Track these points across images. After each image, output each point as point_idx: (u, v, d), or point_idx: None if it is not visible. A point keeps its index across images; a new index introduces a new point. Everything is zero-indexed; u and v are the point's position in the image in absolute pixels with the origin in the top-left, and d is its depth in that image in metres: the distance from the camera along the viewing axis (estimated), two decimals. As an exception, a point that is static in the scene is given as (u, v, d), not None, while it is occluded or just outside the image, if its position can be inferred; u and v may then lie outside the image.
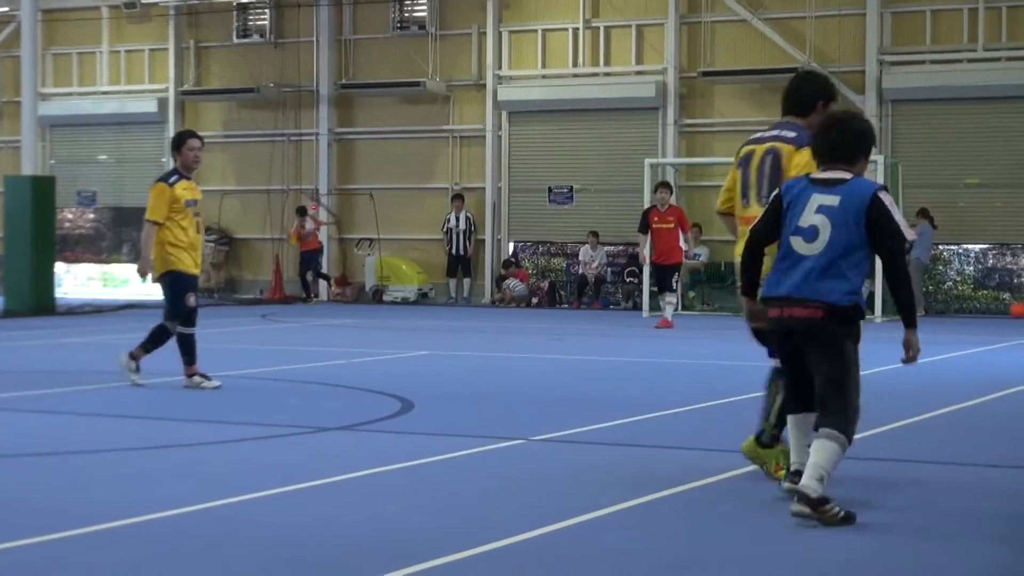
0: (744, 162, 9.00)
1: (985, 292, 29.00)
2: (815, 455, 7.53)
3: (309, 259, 32.45)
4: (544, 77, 32.31)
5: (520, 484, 8.63)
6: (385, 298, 32.30)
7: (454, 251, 32.04)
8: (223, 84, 34.81)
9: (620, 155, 31.04)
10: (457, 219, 31.98)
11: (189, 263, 13.91)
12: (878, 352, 16.50)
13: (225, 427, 11.13)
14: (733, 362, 17.23)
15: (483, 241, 32.43)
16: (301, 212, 32.33)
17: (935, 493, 8.44)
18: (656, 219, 23.97)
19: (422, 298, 32.44)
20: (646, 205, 27.52)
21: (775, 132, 8.89)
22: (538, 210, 32.23)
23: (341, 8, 34.03)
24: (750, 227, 8.22)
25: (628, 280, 30.66)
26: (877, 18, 29.31)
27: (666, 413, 12.02)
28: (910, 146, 29.14)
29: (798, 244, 7.79)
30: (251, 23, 34.53)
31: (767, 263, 8.11)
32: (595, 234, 30.87)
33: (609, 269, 31.16)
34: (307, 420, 11.46)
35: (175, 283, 13.95)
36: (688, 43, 31.09)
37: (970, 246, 29.07)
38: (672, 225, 23.94)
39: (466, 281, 32.21)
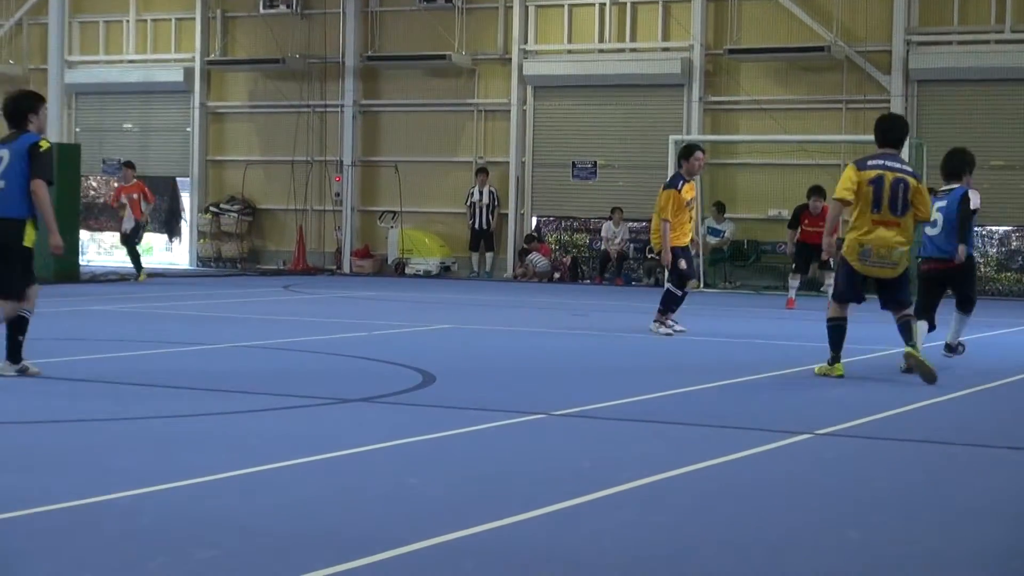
0: (877, 180, 13.09)
1: (1008, 274, 28.95)
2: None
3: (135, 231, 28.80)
4: (570, 52, 32.29)
5: (541, 459, 8.68)
6: (407, 271, 32.36)
7: (477, 225, 32.07)
8: (249, 54, 34.85)
9: (644, 131, 31.02)
10: (480, 193, 32.00)
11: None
12: (888, 331, 16.47)
13: (248, 397, 11.20)
14: (752, 340, 17.28)
15: (506, 215, 32.46)
16: (129, 166, 29.56)
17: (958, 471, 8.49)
18: (807, 222, 23.78)
19: (444, 271, 32.50)
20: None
21: (899, 164, 13.25)
22: (561, 185, 32.24)
23: (369, -20, 34.03)
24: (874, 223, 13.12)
25: (650, 256, 30.65)
26: (905, -3, 29.23)
27: (687, 390, 12.05)
28: (935, 127, 29.05)
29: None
30: (278, -7, 34.53)
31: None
32: (619, 210, 30.88)
33: (632, 245, 31.17)
34: (329, 391, 11.53)
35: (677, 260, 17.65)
36: (714, 20, 31.03)
37: (994, 228, 29.01)
38: (820, 231, 23.73)
39: (488, 255, 32.24)
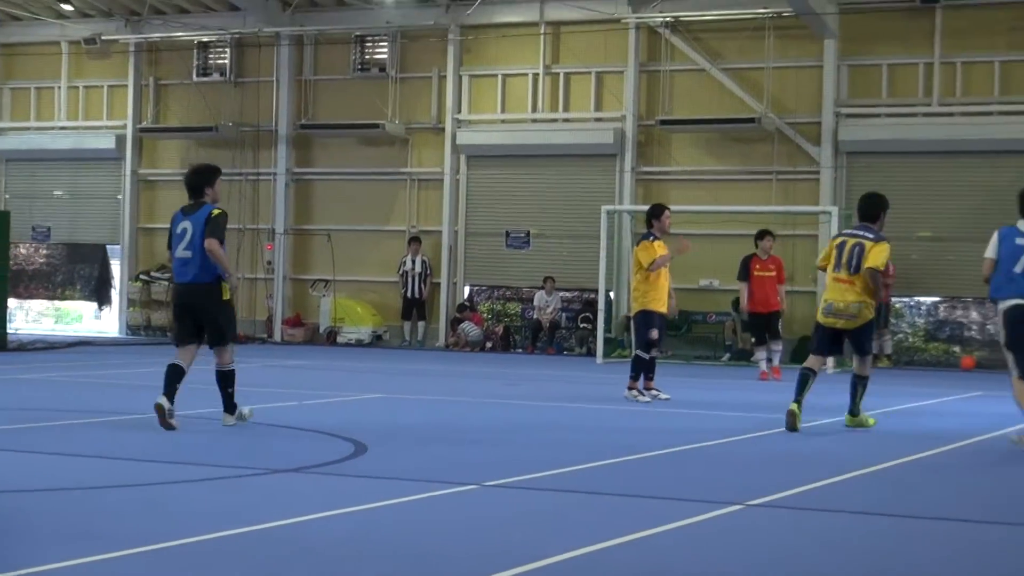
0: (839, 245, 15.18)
1: (936, 344, 29.18)
2: None
3: None
4: (503, 122, 32.42)
5: (473, 530, 8.62)
6: (339, 340, 32.26)
7: (409, 294, 32.04)
8: (182, 122, 34.80)
9: (577, 201, 31.14)
10: (413, 262, 31.98)
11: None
12: (833, 400, 16.53)
13: (175, 467, 11.08)
14: (686, 410, 17.28)
15: (438, 284, 32.45)
16: None
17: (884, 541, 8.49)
18: (758, 267, 23.70)
19: (376, 340, 32.41)
20: (602, 252, 27.72)
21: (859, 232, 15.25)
22: (494, 254, 32.29)
23: (302, 48, 34.10)
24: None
25: (582, 326, 30.71)
26: (834, 71, 29.56)
27: (620, 460, 12.02)
28: (865, 198, 29.27)
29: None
30: (211, 61, 34.54)
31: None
32: (551, 279, 30.95)
33: (564, 315, 31.22)
34: (258, 461, 11.42)
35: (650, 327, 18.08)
36: (647, 91, 31.27)
37: (922, 298, 29.27)
38: (772, 273, 23.70)
39: (420, 324, 32.20)
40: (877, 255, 15.02)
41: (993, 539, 8.84)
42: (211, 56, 34.60)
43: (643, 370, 18.17)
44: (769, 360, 23.67)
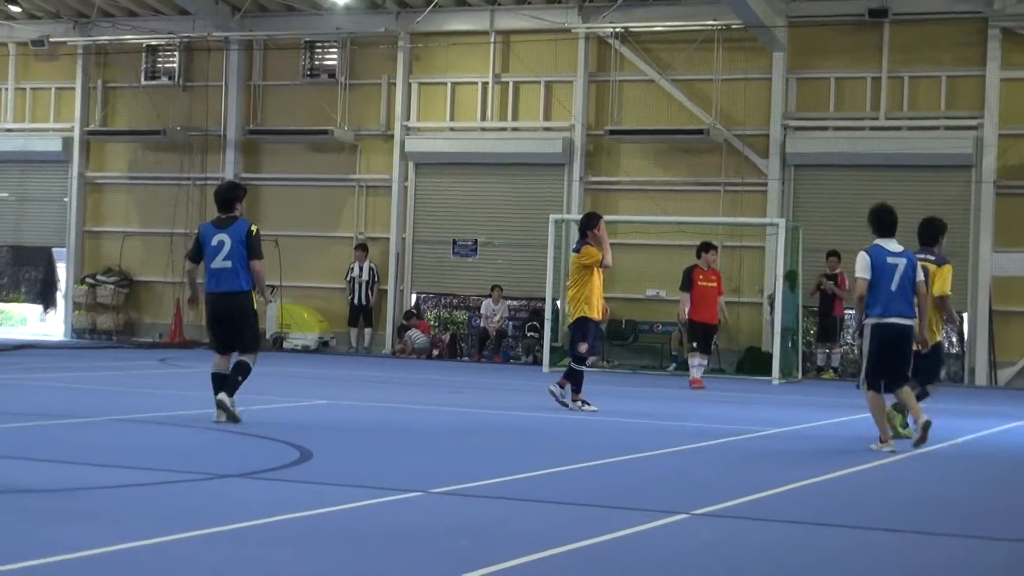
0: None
1: (881, 357, 29.30)
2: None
3: None
4: (452, 130, 32.43)
5: (418, 537, 8.61)
6: (285, 345, 32.16)
7: (356, 300, 31.99)
8: (129, 125, 34.66)
9: (525, 210, 31.18)
10: (360, 268, 31.93)
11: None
12: (776, 413, 16.65)
13: (121, 471, 11.03)
14: (631, 420, 17.33)
15: (385, 291, 32.41)
16: None
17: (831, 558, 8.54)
18: (701, 278, 23.94)
19: (323, 347, 32.34)
20: (550, 261, 27.77)
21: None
22: (442, 262, 32.29)
23: (251, 54, 34.02)
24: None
25: (529, 335, 30.73)
26: (783, 83, 29.72)
27: (565, 469, 12.05)
28: (811, 210, 29.52)
29: None
30: (160, 65, 34.42)
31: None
32: (498, 287, 30.97)
33: (511, 323, 31.25)
34: (205, 466, 11.39)
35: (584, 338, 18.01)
36: (596, 101, 31.35)
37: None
38: (715, 284, 24.01)
39: (367, 331, 32.15)
40: (943, 280, 15.55)
41: (943, 551, 8.92)
42: (160, 60, 34.47)
43: (577, 380, 18.11)
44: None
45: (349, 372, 25.28)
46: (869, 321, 14.43)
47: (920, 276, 14.64)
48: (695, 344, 24.09)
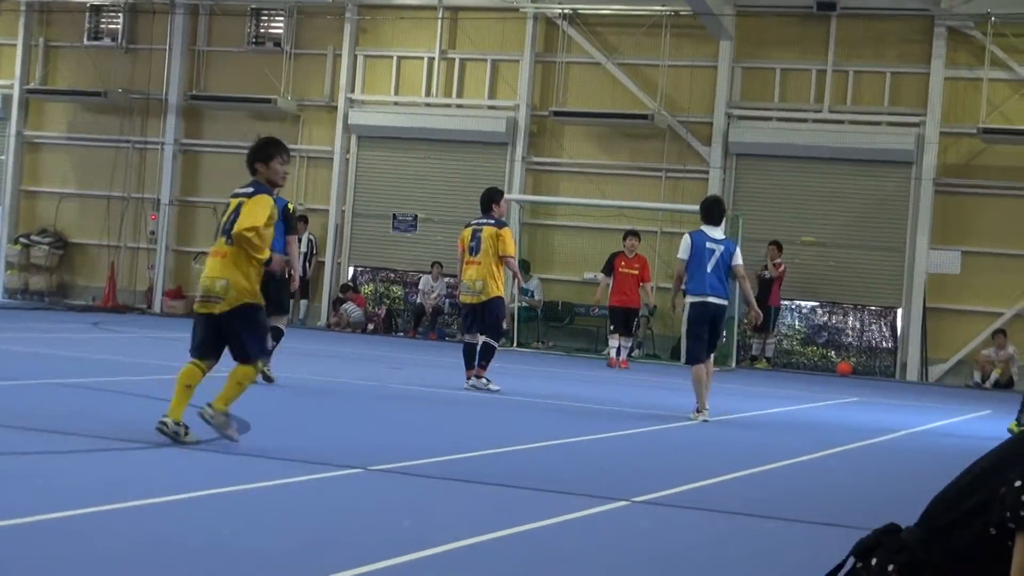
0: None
1: (813, 348, 29.52)
2: None
3: None
4: (396, 104, 32.30)
5: (359, 515, 8.56)
6: (219, 314, 31.89)
7: (293, 271, 31.77)
8: (70, 85, 34.30)
9: (467, 188, 31.02)
10: (299, 240, 31.67)
11: None
12: (710, 400, 16.68)
13: (52, 437, 10.88)
14: (569, 403, 17.32)
15: (323, 263, 32.27)
16: None
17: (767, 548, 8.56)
18: (623, 264, 24.73)
19: (257, 316, 32.10)
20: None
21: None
22: (381, 236, 32.18)
23: (197, 18, 33.75)
24: None
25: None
26: (728, 72, 29.78)
27: (504, 450, 12.02)
28: (752, 201, 29.61)
29: None
30: (103, 26, 34.10)
31: None
32: (439, 264, 30.88)
33: (448, 301, 31.18)
34: (140, 435, 11.25)
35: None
36: (541, 81, 31.31)
37: (802, 303, 29.60)
38: (637, 272, 24.83)
39: (303, 303, 32.00)
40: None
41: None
42: (103, 20, 34.15)
43: (491, 356, 18.03)
44: (618, 351, 24.99)
45: (284, 344, 25.09)
46: (688, 299, 16.15)
47: (738, 260, 16.26)
48: (613, 327, 24.98)
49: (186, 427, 10.80)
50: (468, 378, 17.91)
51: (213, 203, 32.63)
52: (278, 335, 16.28)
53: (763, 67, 29.98)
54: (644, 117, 29.94)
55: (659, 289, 27.06)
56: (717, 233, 16.32)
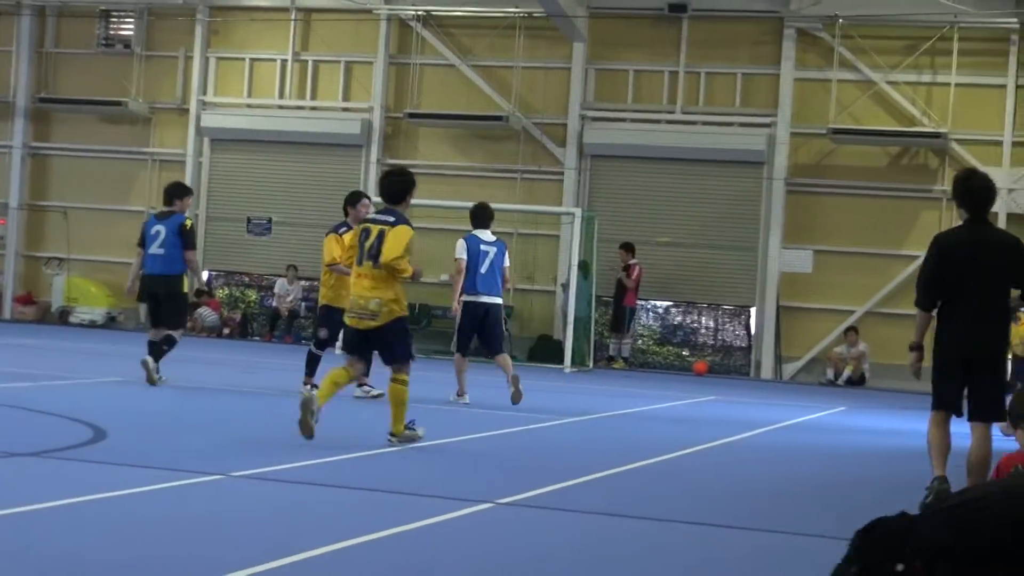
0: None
1: (668, 348, 29.79)
2: None
3: None
4: (249, 106, 32.06)
5: (222, 522, 8.47)
6: (71, 320, 31.49)
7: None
8: (-88, 88, 33.58)
9: (322, 190, 30.95)
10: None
11: None
12: (569, 401, 16.76)
13: (-94, 448, 10.65)
14: (431, 405, 17.29)
15: (177, 268, 31.87)
16: None
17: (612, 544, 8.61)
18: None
19: (110, 322, 31.74)
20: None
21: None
22: (235, 240, 31.91)
23: (44, 20, 33.21)
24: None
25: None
26: (582, 74, 29.96)
27: (365, 454, 11.98)
28: (607, 201, 29.81)
29: None
30: (-53, 28, 33.41)
31: None
32: (293, 267, 30.70)
33: (304, 304, 31.00)
34: (-6, 444, 11.05)
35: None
36: (396, 84, 31.26)
37: (657, 303, 29.85)
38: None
39: (157, 307, 31.57)
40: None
41: (735, 542, 9.04)
42: (-53, 22, 33.47)
43: (312, 365, 17.58)
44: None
45: (139, 349, 24.74)
46: (463, 299, 17.55)
47: (507, 262, 17.90)
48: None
49: (411, 425, 12.65)
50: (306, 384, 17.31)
51: (63, 207, 32.13)
52: (171, 341, 17.33)
53: (616, 68, 30.20)
54: (499, 119, 30.01)
55: (516, 291, 27.14)
56: (488, 236, 17.86)
